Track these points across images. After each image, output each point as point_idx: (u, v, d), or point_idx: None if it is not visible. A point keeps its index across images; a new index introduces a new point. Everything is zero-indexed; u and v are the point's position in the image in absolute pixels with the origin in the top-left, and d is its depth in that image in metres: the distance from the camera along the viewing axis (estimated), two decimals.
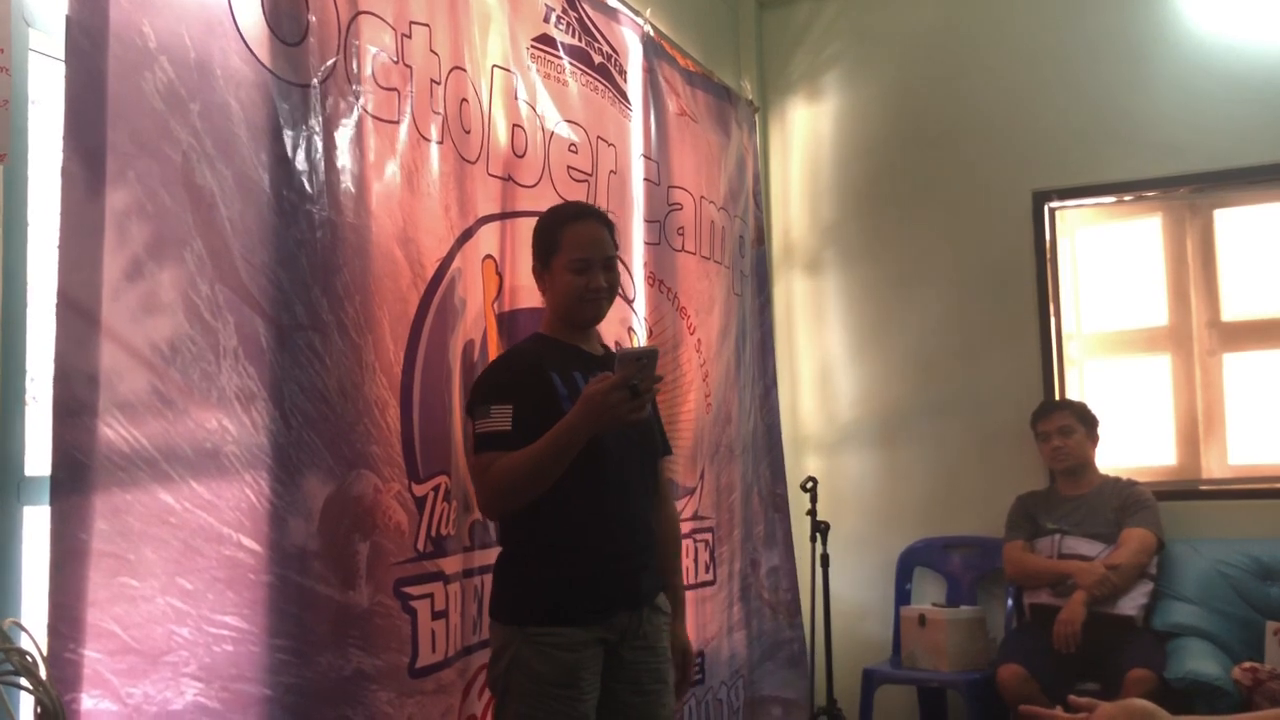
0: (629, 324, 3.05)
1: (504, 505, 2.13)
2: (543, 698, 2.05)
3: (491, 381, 2.17)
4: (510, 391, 2.10)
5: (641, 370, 1.97)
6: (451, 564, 2.29)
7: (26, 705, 1.56)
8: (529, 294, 2.62)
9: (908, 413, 4.28)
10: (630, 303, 3.08)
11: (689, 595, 3.30)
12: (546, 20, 2.82)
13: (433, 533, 2.24)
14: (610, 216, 2.35)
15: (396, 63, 2.21)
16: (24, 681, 1.50)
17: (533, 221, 2.56)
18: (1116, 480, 3.73)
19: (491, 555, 2.44)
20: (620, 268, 2.33)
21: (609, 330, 2.75)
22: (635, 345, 1.93)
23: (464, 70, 2.43)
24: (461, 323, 2.38)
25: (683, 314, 3.40)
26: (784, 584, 3.98)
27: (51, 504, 1.53)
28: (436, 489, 2.26)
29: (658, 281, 3.27)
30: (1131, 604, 3.49)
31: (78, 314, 1.57)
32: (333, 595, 1.96)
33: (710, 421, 3.49)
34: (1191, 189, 3.99)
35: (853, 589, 4.16)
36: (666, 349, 3.24)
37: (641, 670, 2.21)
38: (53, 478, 1.53)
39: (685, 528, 3.31)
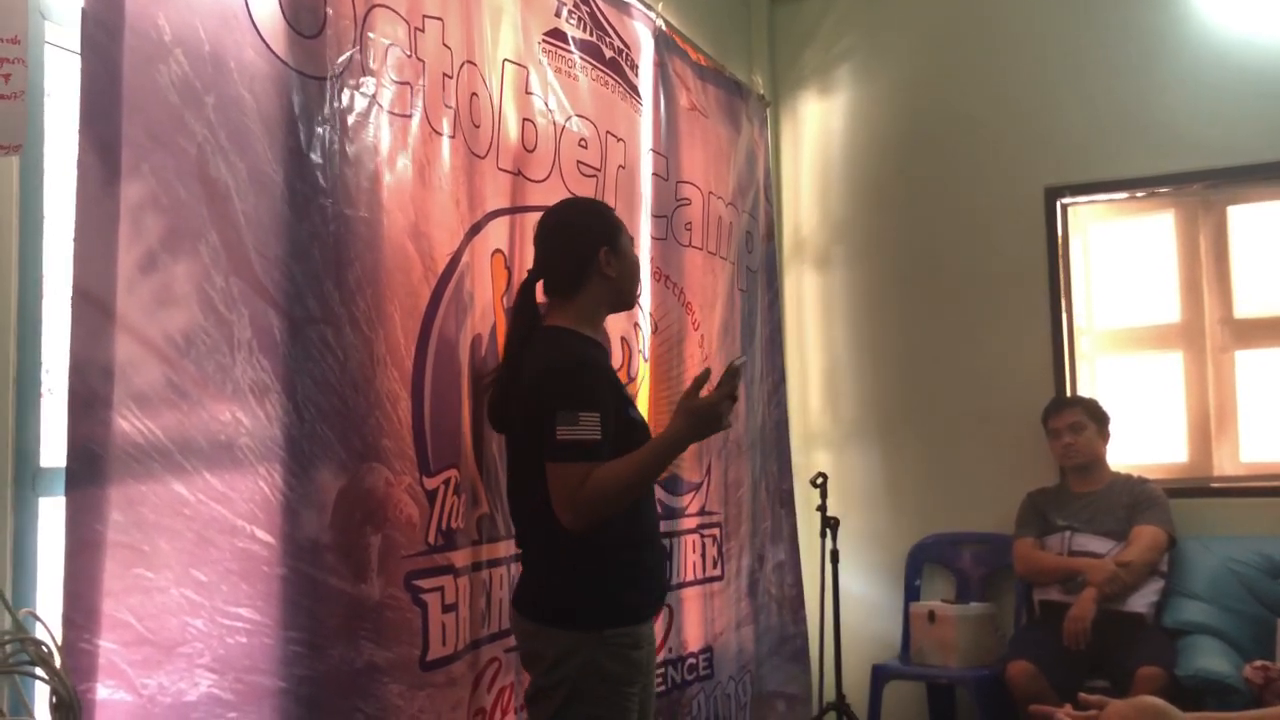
0: (634, 319, 3.05)
1: (603, 517, 2.02)
2: (615, 698, 2.07)
3: (578, 384, 2.07)
4: (597, 398, 2.06)
5: (737, 381, 2.08)
6: (461, 557, 2.30)
7: (42, 695, 1.57)
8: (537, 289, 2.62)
9: (918, 408, 4.27)
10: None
11: (697, 590, 3.32)
12: (558, 15, 2.81)
13: (443, 526, 2.24)
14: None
15: (410, 56, 2.22)
16: (40, 671, 1.51)
17: None
18: (1127, 477, 3.72)
19: (500, 549, 2.46)
20: None
21: (614, 327, 2.77)
22: (735, 360, 2.11)
23: (474, 65, 2.44)
24: (470, 317, 2.38)
25: (688, 309, 3.40)
26: (788, 579, 3.98)
27: (67, 495, 1.54)
28: (447, 482, 2.26)
29: (664, 277, 3.27)
30: (1142, 601, 3.48)
31: (93, 306, 1.58)
32: (345, 588, 1.97)
33: None
34: (1205, 185, 3.97)
35: (862, 585, 4.16)
36: (671, 344, 3.24)
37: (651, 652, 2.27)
38: (68, 469, 1.54)
39: (692, 523, 3.32)
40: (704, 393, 2.07)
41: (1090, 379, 4.13)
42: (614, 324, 2.61)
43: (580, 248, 2.22)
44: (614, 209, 2.42)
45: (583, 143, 2.85)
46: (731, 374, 2.06)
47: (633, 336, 3.02)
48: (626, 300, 2.32)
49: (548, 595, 2.13)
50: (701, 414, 2.02)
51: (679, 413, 2.05)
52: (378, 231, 2.11)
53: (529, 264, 2.60)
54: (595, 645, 2.05)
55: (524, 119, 2.63)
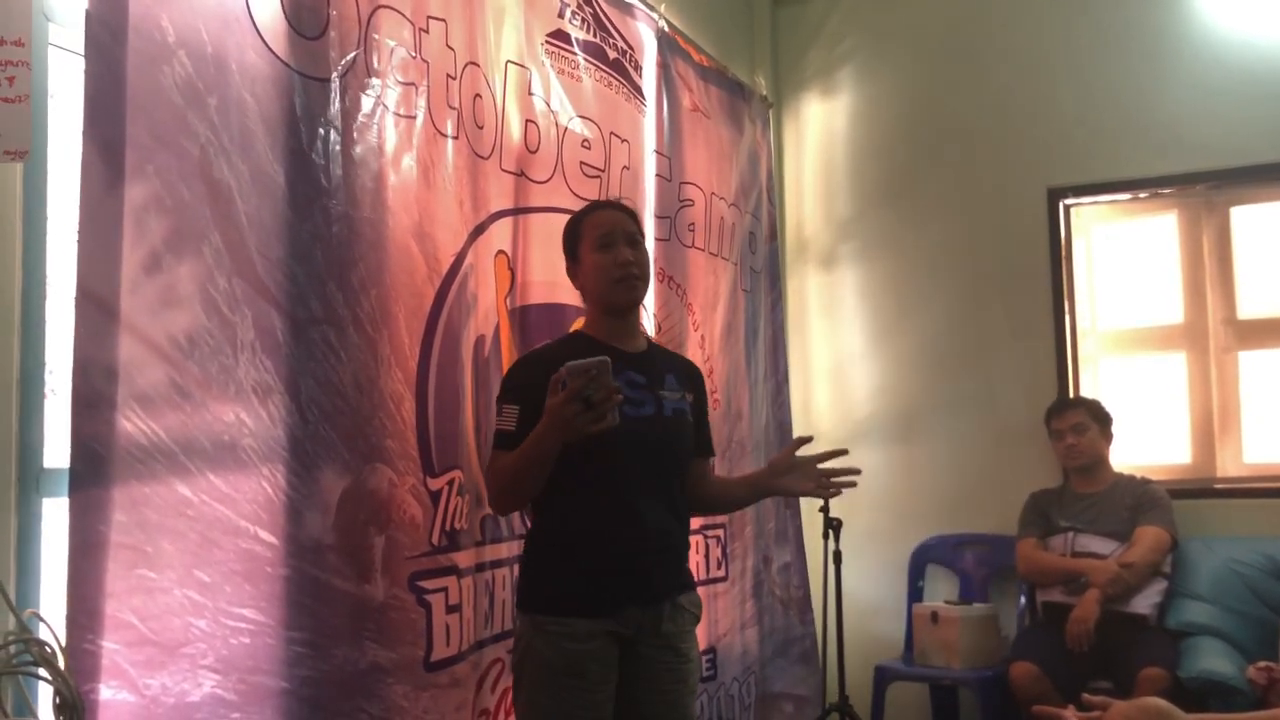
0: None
1: (499, 503, 2.22)
2: (553, 686, 2.07)
3: (508, 381, 2.22)
4: (521, 393, 2.11)
5: (593, 381, 1.95)
6: (465, 558, 2.30)
7: (46, 696, 1.57)
8: (541, 290, 2.63)
9: (921, 409, 4.27)
10: None
11: (701, 591, 3.29)
12: (561, 16, 2.82)
13: (447, 527, 2.24)
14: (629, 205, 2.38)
15: (414, 58, 2.22)
16: (43, 672, 1.51)
17: (546, 217, 2.58)
18: (1131, 478, 3.72)
19: (503, 550, 2.47)
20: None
21: None
22: (577, 361, 1.96)
23: (478, 66, 2.44)
24: (473, 318, 2.39)
25: (689, 310, 3.40)
26: (795, 580, 3.98)
27: (70, 496, 1.54)
28: (451, 483, 2.26)
29: (667, 278, 3.27)
30: (1145, 602, 3.47)
31: (96, 307, 1.58)
32: (348, 589, 1.97)
33: (719, 418, 3.49)
34: (1208, 186, 3.97)
35: (865, 586, 4.15)
36: (674, 345, 3.24)
37: (660, 669, 2.19)
38: (71, 470, 1.54)
39: (696, 524, 3.31)
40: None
41: (1093, 380, 4.12)
42: None
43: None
44: (599, 208, 2.33)
45: (586, 144, 2.85)
46: (572, 374, 1.96)
47: None
48: (603, 305, 2.24)
49: (517, 579, 2.26)
50: (550, 415, 1.98)
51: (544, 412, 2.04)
52: (382, 232, 2.11)
53: (532, 265, 2.61)
54: (533, 629, 2.11)
55: (527, 120, 2.63)
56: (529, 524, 2.27)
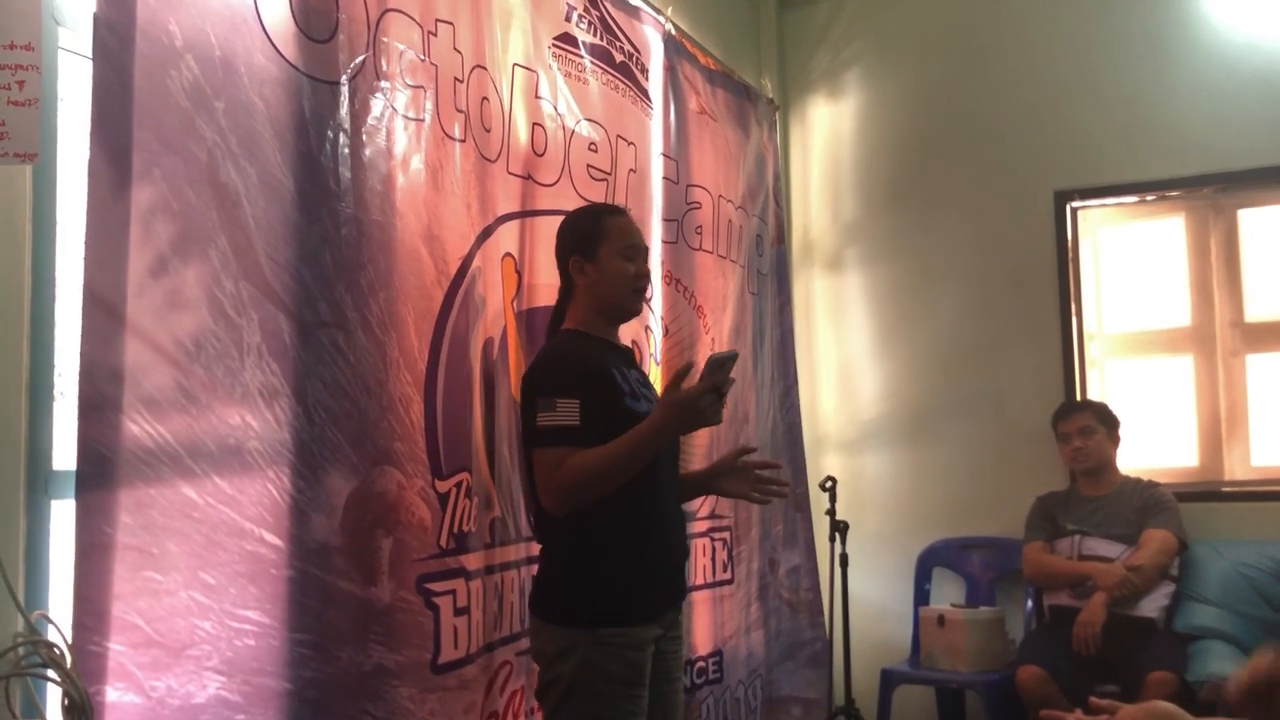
0: (645, 322, 3.05)
1: (576, 502, 2.07)
2: (614, 698, 2.06)
3: (557, 375, 2.12)
4: (577, 386, 2.08)
5: (725, 374, 2.02)
6: (474, 560, 2.30)
7: (54, 697, 1.58)
8: (547, 292, 2.62)
9: (928, 412, 4.26)
10: (648, 302, 3.08)
11: (707, 594, 3.31)
12: (568, 19, 2.82)
13: (455, 529, 2.24)
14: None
15: (423, 60, 2.23)
16: (52, 674, 1.52)
17: (553, 220, 2.57)
18: (1138, 481, 3.71)
19: (513, 552, 2.46)
20: None
21: (625, 330, 2.75)
22: (720, 351, 2.03)
23: (485, 69, 2.44)
24: (482, 320, 2.39)
25: (699, 313, 3.40)
26: (805, 583, 3.97)
27: (76, 498, 1.55)
28: (459, 485, 2.26)
29: (675, 280, 3.27)
30: (1152, 606, 3.47)
31: (103, 310, 1.59)
32: (354, 591, 1.97)
33: (726, 420, 3.48)
34: (1215, 188, 3.96)
35: (872, 589, 4.15)
36: (683, 347, 3.24)
37: (671, 659, 2.25)
38: (78, 472, 1.55)
39: (702, 526, 3.31)
40: (685, 385, 2.05)
41: (1100, 383, 4.11)
42: (624, 327, 2.60)
43: (558, 256, 2.30)
44: (620, 213, 2.34)
45: (593, 146, 2.85)
46: (713, 367, 2.01)
47: (644, 340, 3.02)
48: (610, 309, 2.25)
49: (549, 593, 2.16)
50: (681, 406, 2.00)
51: (659, 404, 2.05)
52: (390, 235, 2.11)
53: (539, 267, 2.61)
54: (590, 644, 2.06)
55: (534, 123, 2.63)
56: (552, 532, 2.17)
